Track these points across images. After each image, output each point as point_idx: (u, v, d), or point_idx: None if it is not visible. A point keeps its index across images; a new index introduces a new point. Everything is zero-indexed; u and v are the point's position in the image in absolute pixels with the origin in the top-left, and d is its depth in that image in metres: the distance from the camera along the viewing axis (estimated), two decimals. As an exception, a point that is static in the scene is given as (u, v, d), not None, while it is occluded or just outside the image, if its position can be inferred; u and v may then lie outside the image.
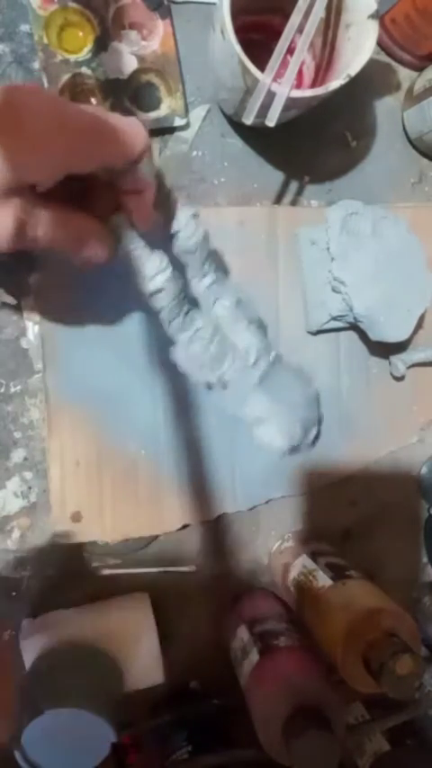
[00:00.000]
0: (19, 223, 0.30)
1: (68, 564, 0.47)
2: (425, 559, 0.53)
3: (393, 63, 0.49)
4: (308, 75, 0.45)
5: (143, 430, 0.46)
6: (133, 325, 0.45)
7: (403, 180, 0.50)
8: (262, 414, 0.45)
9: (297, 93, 0.36)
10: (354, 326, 0.47)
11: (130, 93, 0.43)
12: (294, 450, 0.46)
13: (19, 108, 0.28)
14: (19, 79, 0.43)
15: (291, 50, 0.37)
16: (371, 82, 0.48)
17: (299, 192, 0.48)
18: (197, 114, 0.45)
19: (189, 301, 0.42)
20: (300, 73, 0.45)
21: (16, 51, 0.42)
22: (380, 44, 0.48)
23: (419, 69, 0.48)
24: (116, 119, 0.32)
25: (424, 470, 0.52)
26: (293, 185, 0.48)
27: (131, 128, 0.33)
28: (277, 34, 0.37)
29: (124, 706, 0.43)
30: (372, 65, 0.38)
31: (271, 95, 0.36)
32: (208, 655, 0.50)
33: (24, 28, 0.42)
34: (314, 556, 0.46)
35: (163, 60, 0.43)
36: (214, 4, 0.37)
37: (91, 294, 0.43)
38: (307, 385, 0.47)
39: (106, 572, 0.47)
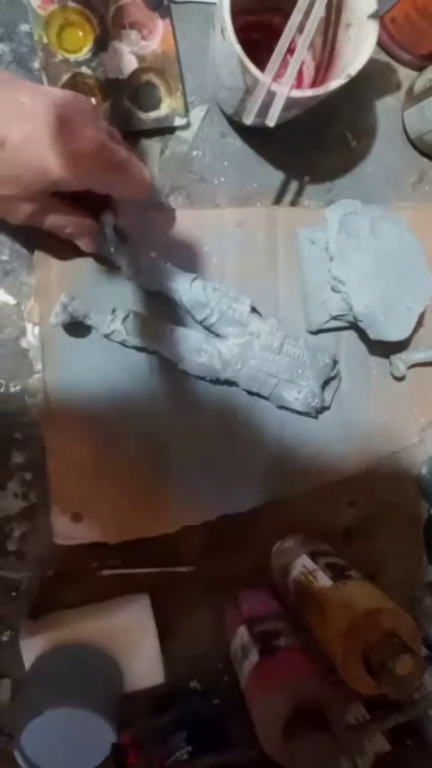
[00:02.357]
0: (34, 213, 0.37)
1: (68, 564, 0.47)
2: (425, 559, 0.53)
3: (393, 63, 0.49)
4: (308, 75, 0.45)
5: (143, 430, 0.46)
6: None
7: (403, 180, 0.50)
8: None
9: (297, 93, 0.36)
10: (354, 326, 0.47)
11: (129, 93, 0.43)
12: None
13: (78, 136, 0.34)
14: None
15: (291, 50, 0.37)
16: (371, 82, 0.48)
17: (299, 192, 0.48)
18: (197, 114, 0.45)
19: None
20: (300, 73, 0.45)
21: (16, 51, 0.42)
22: (380, 44, 0.48)
23: (419, 69, 0.48)
24: (137, 165, 0.38)
25: (424, 470, 0.52)
26: (293, 185, 0.48)
27: (145, 177, 0.39)
28: (277, 34, 0.37)
29: (124, 706, 0.43)
30: (372, 64, 0.38)
31: (271, 95, 0.36)
32: (208, 655, 0.50)
33: (24, 27, 0.42)
34: (314, 556, 0.46)
35: (163, 60, 0.43)
36: (214, 3, 0.37)
37: (90, 294, 0.43)
38: None
39: (106, 572, 0.47)
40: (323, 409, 0.48)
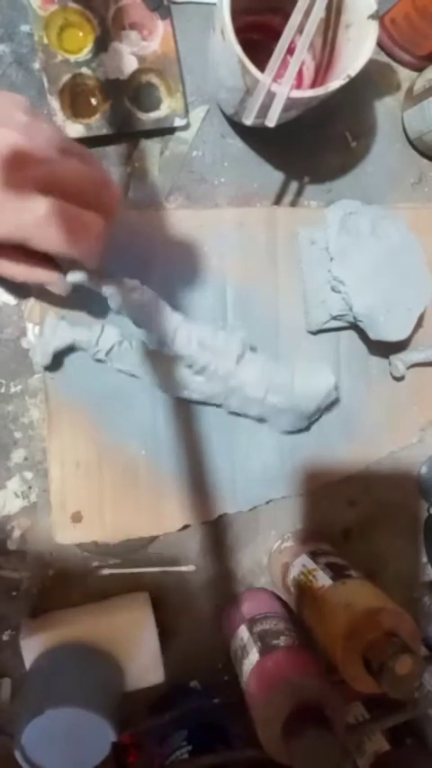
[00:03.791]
0: None
1: (69, 564, 0.47)
2: (425, 559, 0.54)
3: (393, 63, 0.49)
4: (308, 76, 0.45)
5: (143, 430, 0.46)
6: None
7: (403, 180, 0.50)
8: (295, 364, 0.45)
9: (297, 94, 0.36)
10: (354, 326, 0.47)
11: (130, 94, 0.43)
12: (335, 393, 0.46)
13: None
14: (19, 80, 0.43)
15: (291, 50, 0.38)
16: (371, 82, 0.48)
17: (299, 193, 0.48)
18: (197, 114, 0.45)
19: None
20: (300, 73, 0.45)
21: (16, 52, 0.42)
22: (380, 44, 0.48)
23: (419, 69, 0.48)
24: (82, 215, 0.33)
25: (424, 470, 0.52)
26: (293, 186, 0.48)
27: (95, 230, 0.34)
28: (277, 34, 0.37)
29: (124, 705, 0.43)
30: (371, 65, 0.38)
31: (271, 96, 0.36)
32: (208, 654, 0.51)
33: (24, 28, 0.42)
34: (314, 556, 0.46)
35: (163, 60, 0.43)
36: (214, 4, 0.37)
37: (91, 295, 0.43)
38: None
39: (106, 572, 0.47)
40: (310, 425, 0.48)
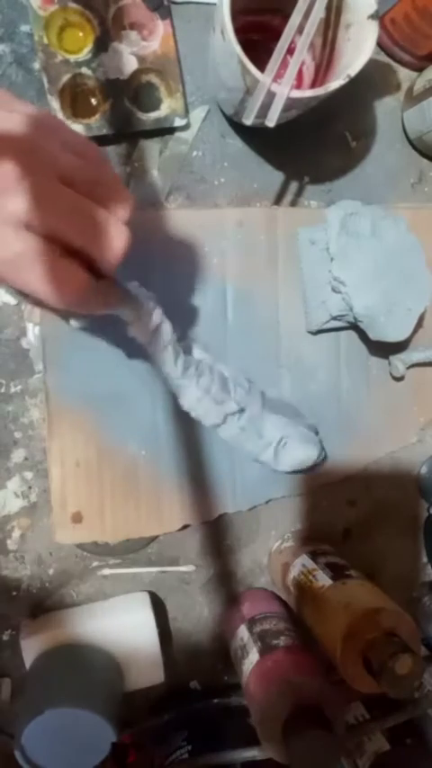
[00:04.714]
0: None
1: (69, 564, 0.47)
2: (424, 559, 0.53)
3: (393, 63, 0.49)
4: (308, 76, 0.45)
5: (143, 430, 0.46)
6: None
7: (403, 180, 0.50)
8: (284, 432, 0.45)
9: (297, 94, 0.36)
10: (354, 326, 0.47)
11: (130, 94, 0.43)
12: (321, 455, 0.46)
13: None
14: (19, 80, 0.43)
15: (291, 51, 0.37)
16: (371, 82, 0.48)
17: (298, 193, 0.48)
18: (197, 115, 0.45)
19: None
20: (300, 73, 0.45)
21: (16, 51, 0.42)
22: (380, 44, 0.48)
23: (419, 69, 0.48)
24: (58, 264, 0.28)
25: (423, 470, 0.52)
26: (293, 186, 0.48)
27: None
28: (277, 34, 0.37)
29: (124, 705, 0.43)
30: (372, 65, 0.38)
31: (271, 96, 0.36)
32: (208, 654, 0.51)
33: (24, 28, 0.42)
34: (314, 555, 0.46)
35: (163, 61, 0.43)
36: (214, 4, 0.37)
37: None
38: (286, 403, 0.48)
39: (106, 572, 0.47)
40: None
